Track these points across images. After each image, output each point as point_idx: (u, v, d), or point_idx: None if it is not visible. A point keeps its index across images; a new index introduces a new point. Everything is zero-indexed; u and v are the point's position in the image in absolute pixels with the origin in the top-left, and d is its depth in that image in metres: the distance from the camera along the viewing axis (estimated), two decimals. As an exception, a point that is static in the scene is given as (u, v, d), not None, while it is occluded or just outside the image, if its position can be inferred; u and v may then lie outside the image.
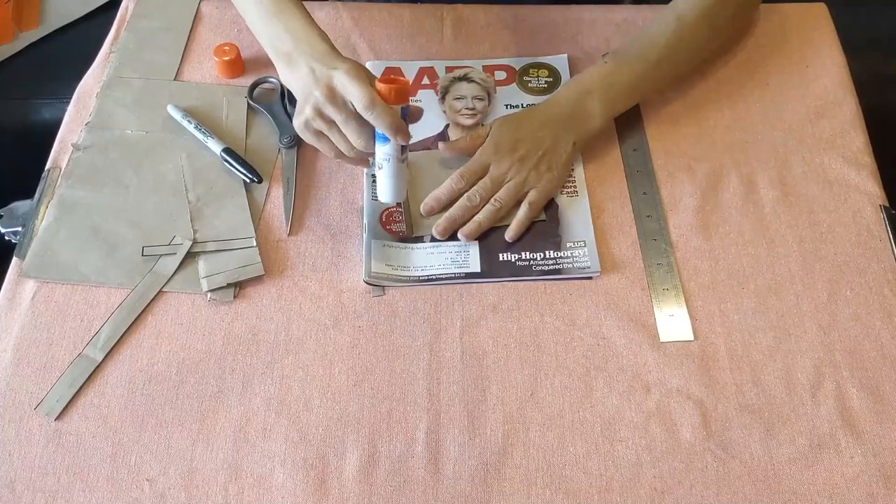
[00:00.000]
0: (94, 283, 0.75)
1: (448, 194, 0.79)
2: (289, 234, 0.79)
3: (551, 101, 0.83)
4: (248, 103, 0.87)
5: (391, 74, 0.87)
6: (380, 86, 0.70)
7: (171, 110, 0.86)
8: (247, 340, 0.73)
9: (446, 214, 0.78)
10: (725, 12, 0.87)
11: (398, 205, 0.80)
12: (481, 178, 0.80)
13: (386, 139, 0.71)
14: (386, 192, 0.74)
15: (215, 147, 0.82)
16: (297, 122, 0.74)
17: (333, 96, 0.70)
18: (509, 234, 0.78)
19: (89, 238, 0.78)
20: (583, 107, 0.82)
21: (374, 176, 0.78)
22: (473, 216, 0.78)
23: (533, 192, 0.79)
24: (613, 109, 0.84)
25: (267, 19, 0.78)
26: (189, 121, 0.84)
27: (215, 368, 0.71)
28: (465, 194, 0.79)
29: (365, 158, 0.76)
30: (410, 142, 0.73)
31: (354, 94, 0.69)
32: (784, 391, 0.70)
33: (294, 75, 0.75)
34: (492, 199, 0.79)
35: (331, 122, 0.72)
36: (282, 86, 0.88)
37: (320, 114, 0.72)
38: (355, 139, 0.72)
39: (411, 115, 0.74)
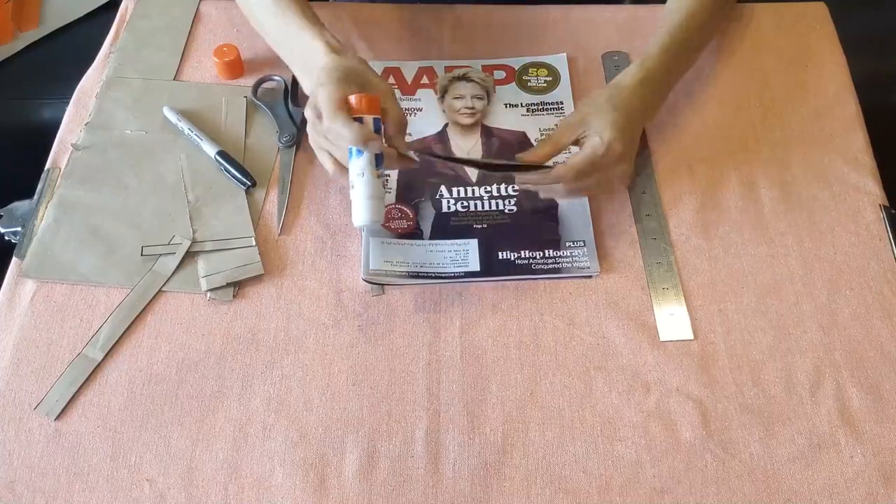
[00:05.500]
0: (93, 283, 0.75)
1: None
2: (280, 234, 0.79)
3: (630, 93, 0.77)
4: (253, 101, 0.87)
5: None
6: (351, 98, 0.68)
7: (166, 112, 0.86)
8: (246, 340, 0.73)
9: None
10: None
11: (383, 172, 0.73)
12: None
13: (359, 153, 0.69)
14: (361, 212, 0.68)
15: (209, 150, 0.82)
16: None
17: (319, 116, 0.70)
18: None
19: (88, 238, 0.78)
20: (647, 98, 0.78)
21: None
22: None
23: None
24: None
25: (272, 23, 0.80)
26: (184, 123, 0.84)
27: (215, 368, 0.71)
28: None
29: None
30: (411, 139, 0.72)
31: (322, 107, 0.69)
32: (784, 391, 0.70)
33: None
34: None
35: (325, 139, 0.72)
36: (286, 84, 0.88)
37: (314, 132, 0.72)
38: (340, 155, 0.71)
39: (387, 132, 0.72)
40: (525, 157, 0.75)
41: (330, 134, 0.70)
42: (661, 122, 0.87)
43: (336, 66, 0.71)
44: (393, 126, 0.72)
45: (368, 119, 0.69)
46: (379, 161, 0.69)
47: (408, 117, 0.86)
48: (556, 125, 0.76)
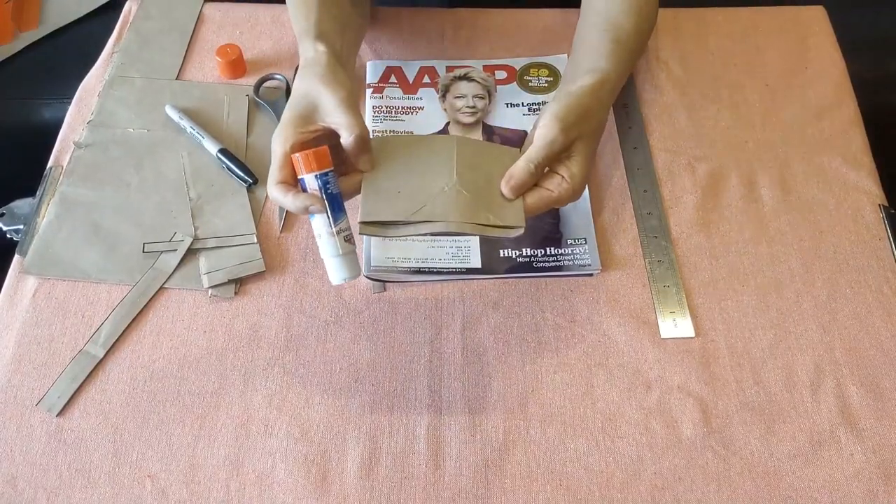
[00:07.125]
0: (94, 280, 0.75)
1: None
2: (281, 231, 0.79)
3: (592, 101, 0.72)
4: (255, 100, 0.88)
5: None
6: (294, 157, 0.65)
7: (168, 110, 0.86)
8: (248, 337, 0.73)
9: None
10: None
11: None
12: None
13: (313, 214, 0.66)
14: (331, 271, 0.66)
15: (211, 147, 0.83)
16: None
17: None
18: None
19: (90, 235, 0.78)
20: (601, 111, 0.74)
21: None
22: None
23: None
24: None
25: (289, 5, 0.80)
26: (186, 122, 0.85)
27: (216, 365, 0.71)
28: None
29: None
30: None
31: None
32: (784, 388, 0.70)
33: None
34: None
35: None
36: (287, 83, 0.88)
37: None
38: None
39: (349, 155, 0.67)
40: (512, 188, 0.68)
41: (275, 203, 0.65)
42: (662, 122, 0.87)
43: (290, 102, 0.68)
44: (353, 147, 0.66)
45: (311, 179, 0.64)
46: (335, 217, 0.65)
47: (409, 116, 0.87)
48: (541, 137, 0.68)
